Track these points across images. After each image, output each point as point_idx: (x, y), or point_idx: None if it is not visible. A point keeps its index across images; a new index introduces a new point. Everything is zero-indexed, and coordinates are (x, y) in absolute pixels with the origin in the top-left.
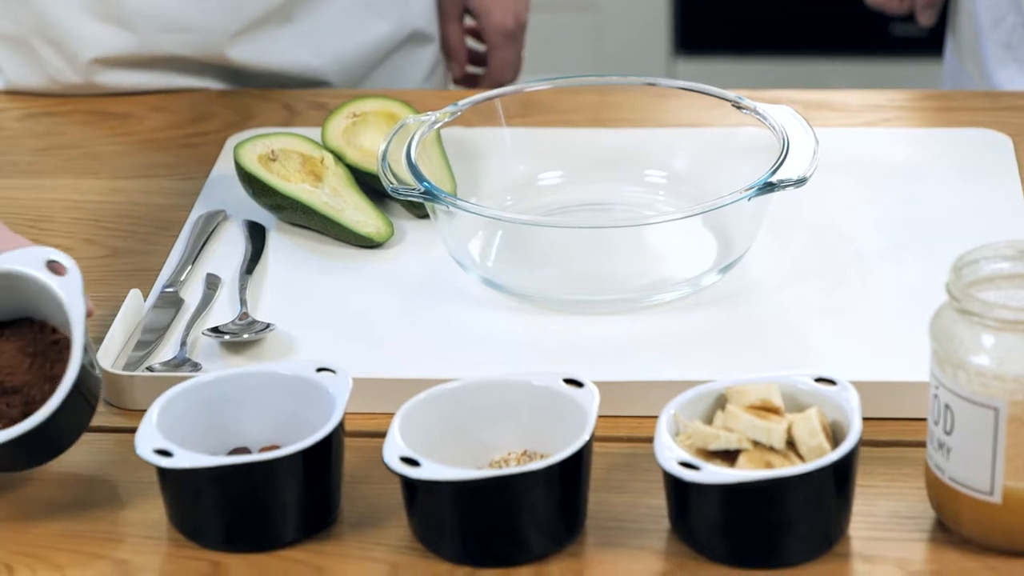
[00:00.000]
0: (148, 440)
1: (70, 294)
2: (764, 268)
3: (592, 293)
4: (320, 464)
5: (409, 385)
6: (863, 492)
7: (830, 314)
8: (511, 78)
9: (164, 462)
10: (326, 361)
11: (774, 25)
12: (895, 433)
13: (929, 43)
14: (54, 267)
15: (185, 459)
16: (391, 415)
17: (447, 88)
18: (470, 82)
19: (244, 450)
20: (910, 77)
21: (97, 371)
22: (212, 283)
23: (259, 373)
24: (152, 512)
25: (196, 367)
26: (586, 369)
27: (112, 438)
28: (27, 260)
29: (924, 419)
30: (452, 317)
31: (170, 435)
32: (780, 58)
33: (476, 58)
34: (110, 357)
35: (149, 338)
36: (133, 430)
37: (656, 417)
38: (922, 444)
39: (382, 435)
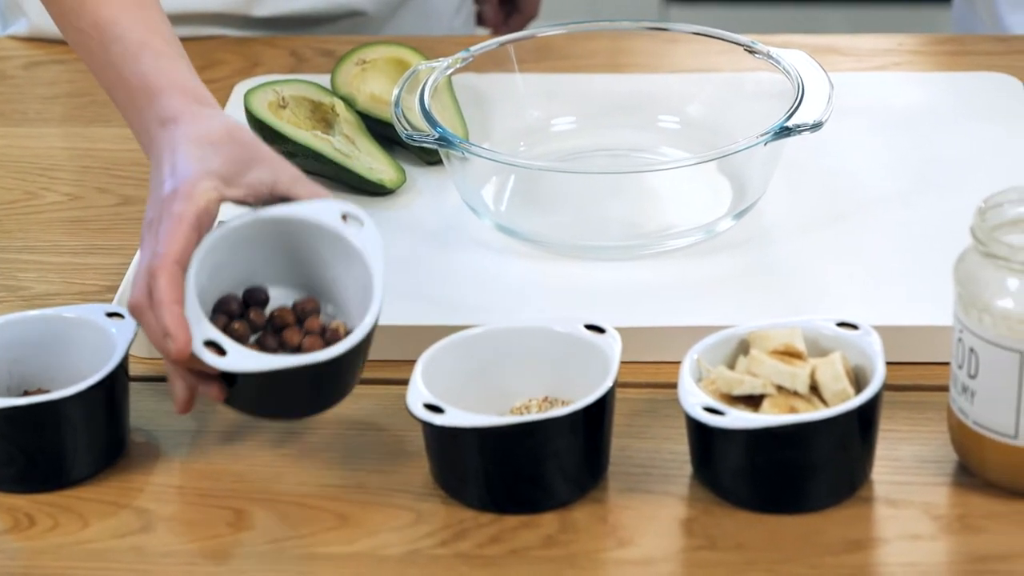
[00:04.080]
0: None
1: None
2: (778, 214)
3: (606, 239)
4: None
5: (427, 332)
6: (885, 437)
7: (846, 259)
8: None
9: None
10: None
11: None
12: (915, 378)
13: None
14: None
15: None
16: (407, 362)
17: (473, 26)
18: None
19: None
20: (907, 23)
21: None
22: None
23: None
24: (175, 461)
25: None
26: (603, 315)
27: (133, 388)
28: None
29: (944, 363)
30: (466, 263)
31: None
32: (772, 4)
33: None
34: (126, 306)
35: None
36: (155, 379)
37: (675, 363)
38: (943, 388)
39: (400, 382)
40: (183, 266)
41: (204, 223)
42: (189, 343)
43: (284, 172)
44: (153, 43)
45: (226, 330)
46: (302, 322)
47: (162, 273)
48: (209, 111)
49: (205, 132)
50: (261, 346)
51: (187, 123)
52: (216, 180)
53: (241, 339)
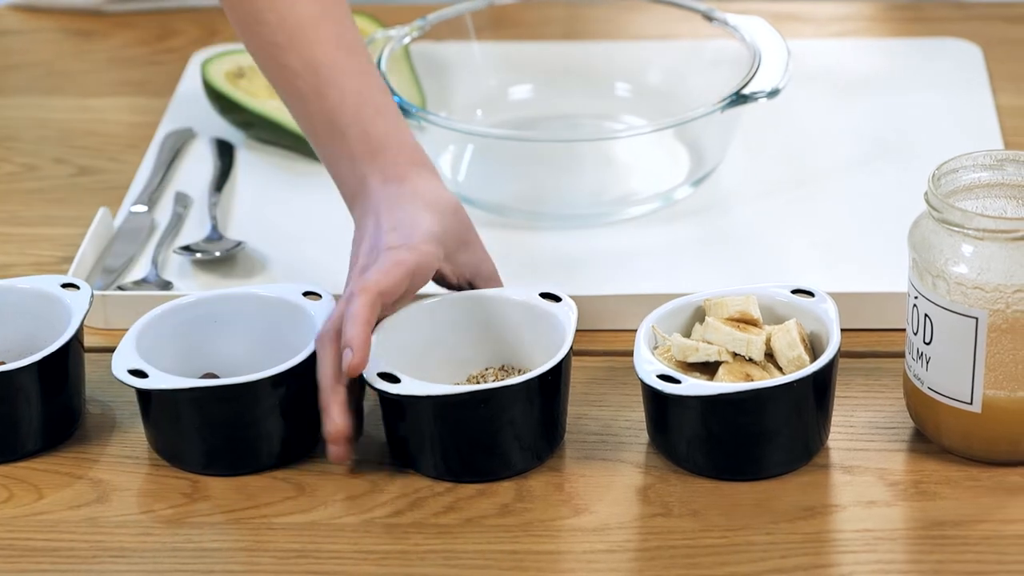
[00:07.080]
0: (124, 361)
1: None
2: (736, 181)
3: (564, 207)
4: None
5: None
6: (841, 403)
7: (804, 226)
8: None
9: (138, 383)
10: (313, 285)
11: None
12: (871, 344)
13: None
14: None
15: (160, 380)
16: None
17: None
18: None
19: (212, 375)
20: None
21: None
22: (182, 201)
23: (243, 295)
24: (131, 433)
25: (167, 285)
26: (561, 283)
27: (89, 358)
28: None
29: (900, 330)
30: None
31: (149, 356)
32: None
33: None
34: (81, 276)
35: (119, 257)
36: (110, 350)
37: (632, 331)
38: (899, 355)
39: None
40: (385, 300)
41: (418, 278)
42: (366, 358)
43: (486, 266)
44: (373, 97)
45: None
46: None
47: (364, 295)
48: (431, 176)
49: (435, 199)
50: None
51: (413, 183)
52: (440, 247)
53: None
